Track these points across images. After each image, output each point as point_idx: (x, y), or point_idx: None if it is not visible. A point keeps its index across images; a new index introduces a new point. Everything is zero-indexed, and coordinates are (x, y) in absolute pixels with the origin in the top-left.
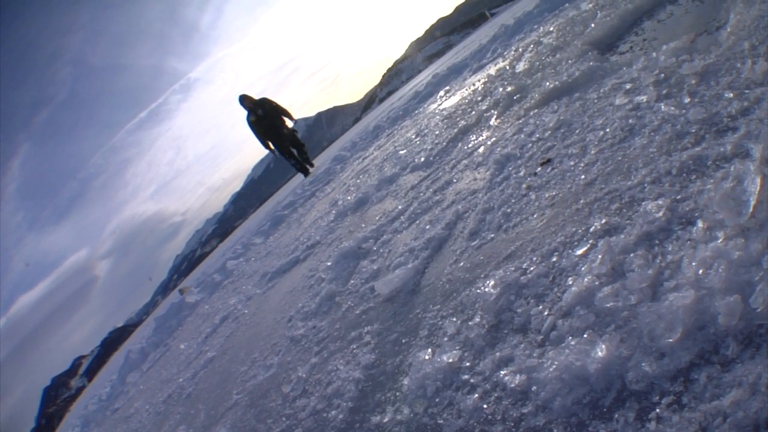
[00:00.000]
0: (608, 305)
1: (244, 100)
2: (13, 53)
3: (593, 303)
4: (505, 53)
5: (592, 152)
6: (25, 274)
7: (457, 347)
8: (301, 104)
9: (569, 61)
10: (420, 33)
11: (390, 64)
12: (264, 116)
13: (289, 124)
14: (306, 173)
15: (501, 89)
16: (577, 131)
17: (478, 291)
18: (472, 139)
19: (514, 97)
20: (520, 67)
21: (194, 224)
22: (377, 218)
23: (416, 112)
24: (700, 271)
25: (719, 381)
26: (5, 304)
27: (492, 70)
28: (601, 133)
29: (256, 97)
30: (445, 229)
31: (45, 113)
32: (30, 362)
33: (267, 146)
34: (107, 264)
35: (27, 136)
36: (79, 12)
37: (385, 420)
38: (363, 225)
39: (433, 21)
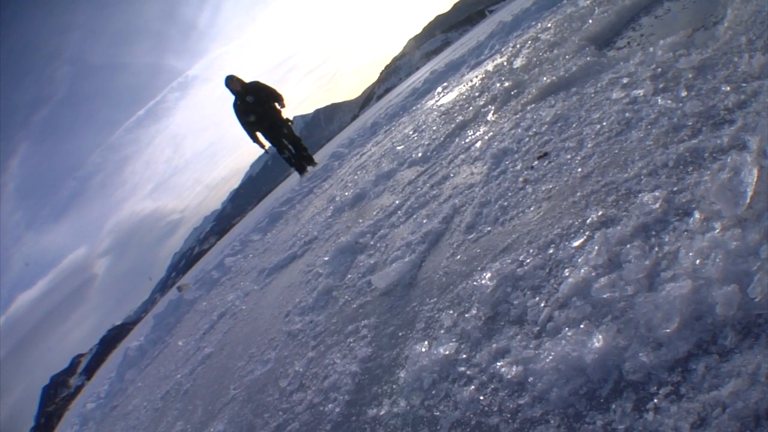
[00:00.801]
0: (605, 296)
1: (231, 82)
2: (11, 52)
3: (590, 294)
4: (503, 50)
5: (589, 145)
6: (24, 273)
7: (454, 339)
8: (299, 101)
9: (566, 57)
10: (418, 30)
11: (388, 62)
12: (254, 103)
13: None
14: (302, 171)
15: (498, 85)
16: (574, 125)
17: (475, 283)
18: (470, 134)
19: (512, 93)
20: (518, 63)
21: (192, 222)
22: (374, 213)
23: (414, 108)
24: (698, 262)
25: (718, 371)
26: (4, 303)
27: (490, 66)
28: (598, 126)
29: (247, 79)
30: (442, 223)
31: (43, 112)
32: (29, 361)
33: (255, 139)
34: (106, 262)
35: (25, 135)
36: (78, 10)
37: (382, 413)
38: (360, 220)
39: (431, 18)
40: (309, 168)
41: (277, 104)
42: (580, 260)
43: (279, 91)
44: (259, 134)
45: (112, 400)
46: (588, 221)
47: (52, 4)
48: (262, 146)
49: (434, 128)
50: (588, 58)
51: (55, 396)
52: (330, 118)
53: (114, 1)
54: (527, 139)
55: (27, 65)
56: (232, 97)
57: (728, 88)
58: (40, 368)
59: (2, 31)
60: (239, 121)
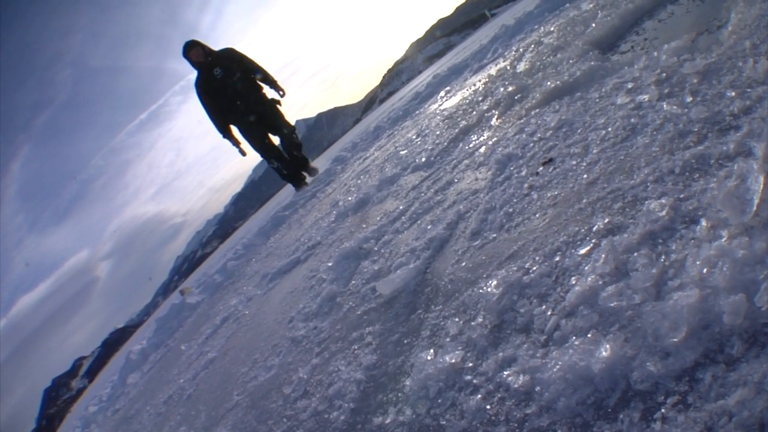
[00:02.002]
0: (612, 305)
1: (192, 50)
2: (13, 55)
3: (597, 302)
4: (506, 53)
5: (595, 151)
6: (26, 275)
7: (460, 348)
8: (302, 105)
9: (570, 61)
10: (420, 34)
11: (390, 65)
12: (225, 80)
13: (274, 96)
14: (298, 183)
15: (502, 89)
16: (579, 131)
17: (481, 291)
18: (473, 139)
19: (515, 97)
20: (521, 67)
21: (195, 225)
22: (378, 218)
23: (417, 112)
24: (705, 270)
25: (724, 380)
26: (6, 305)
27: (493, 70)
28: (603, 132)
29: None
30: (447, 229)
31: (45, 115)
32: (30, 363)
33: (226, 134)
34: (108, 265)
35: (27, 138)
36: (79, 14)
37: (387, 421)
38: (364, 225)
39: (434, 22)
40: (305, 174)
41: (262, 81)
42: (586, 268)
43: (266, 68)
44: (234, 128)
45: (114, 404)
46: (594, 228)
47: (54, 7)
48: (237, 144)
49: (438, 133)
50: (592, 63)
51: (57, 398)
52: (333, 122)
53: (116, 4)
54: (532, 144)
55: (29, 68)
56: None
57: (733, 94)
58: (42, 370)
59: (4, 33)
60: (203, 106)
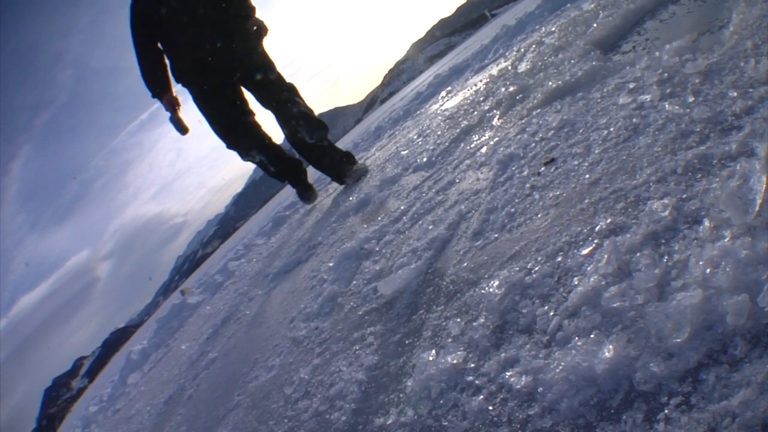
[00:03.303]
0: (615, 305)
1: None
2: (14, 56)
3: (600, 303)
4: (507, 53)
5: (597, 152)
6: (27, 275)
7: (462, 348)
8: None
9: (572, 61)
10: (421, 34)
11: (391, 65)
12: (178, 6)
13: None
14: (308, 196)
15: (503, 89)
16: (581, 131)
17: (483, 291)
18: (475, 139)
19: (517, 97)
20: (523, 67)
21: (196, 225)
22: (379, 219)
23: (418, 112)
24: (708, 271)
25: (728, 381)
26: (6, 305)
27: (494, 70)
28: (605, 132)
29: None
30: (448, 230)
31: (46, 115)
32: (31, 363)
33: (157, 91)
34: (109, 265)
35: (28, 138)
36: (80, 15)
37: (389, 422)
38: (365, 225)
39: (435, 22)
40: (350, 171)
41: (243, 17)
42: (589, 268)
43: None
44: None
45: (114, 404)
46: (597, 229)
47: (55, 7)
48: (173, 110)
49: (439, 133)
50: (593, 63)
51: (57, 398)
52: (334, 122)
53: (116, 5)
54: (533, 144)
55: (29, 69)
56: None
57: (735, 94)
58: (42, 370)
59: (4, 34)
60: (134, 48)
